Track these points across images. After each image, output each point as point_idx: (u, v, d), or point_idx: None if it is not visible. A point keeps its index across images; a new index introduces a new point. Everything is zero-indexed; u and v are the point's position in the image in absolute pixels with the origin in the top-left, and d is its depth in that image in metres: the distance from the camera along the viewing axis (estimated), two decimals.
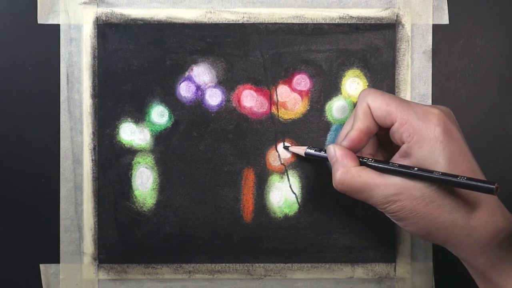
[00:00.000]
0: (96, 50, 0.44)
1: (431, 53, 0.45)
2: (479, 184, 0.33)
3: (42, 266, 0.45)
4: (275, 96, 0.45)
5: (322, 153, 0.41)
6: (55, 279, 0.45)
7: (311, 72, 0.45)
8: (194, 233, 0.45)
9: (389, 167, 0.36)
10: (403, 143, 0.37)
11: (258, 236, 0.45)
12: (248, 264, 0.45)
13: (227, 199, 0.45)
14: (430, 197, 0.35)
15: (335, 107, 0.45)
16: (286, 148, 0.44)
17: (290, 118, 0.45)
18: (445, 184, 0.34)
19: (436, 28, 0.45)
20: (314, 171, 0.45)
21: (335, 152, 0.38)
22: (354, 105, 0.45)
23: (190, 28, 0.44)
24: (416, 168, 0.35)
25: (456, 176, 0.34)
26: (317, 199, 0.45)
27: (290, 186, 0.45)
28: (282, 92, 0.45)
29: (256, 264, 0.45)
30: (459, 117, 0.45)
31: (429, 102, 0.44)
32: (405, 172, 0.35)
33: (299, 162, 0.45)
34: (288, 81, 0.45)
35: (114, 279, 0.45)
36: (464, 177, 0.33)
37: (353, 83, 0.45)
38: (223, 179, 0.45)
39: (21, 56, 0.44)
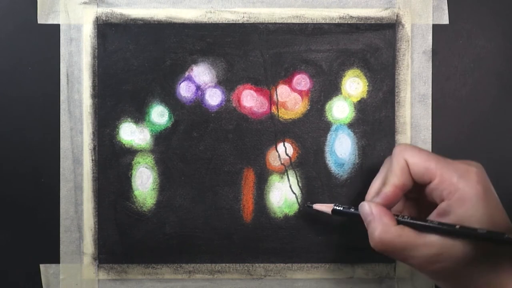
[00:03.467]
0: (96, 50, 0.44)
1: (431, 53, 0.45)
2: None
3: (42, 266, 0.45)
4: (275, 96, 0.45)
5: (352, 210, 0.39)
6: (55, 279, 0.45)
7: (311, 72, 0.45)
8: (194, 233, 0.45)
9: (429, 224, 0.35)
10: (442, 200, 0.35)
11: (258, 236, 0.45)
12: (248, 264, 0.45)
13: (227, 199, 0.45)
14: (471, 256, 0.34)
15: (335, 107, 0.45)
16: (309, 206, 0.43)
17: (290, 118, 0.45)
18: (490, 241, 0.33)
19: (436, 28, 0.45)
20: (314, 171, 0.45)
21: (371, 209, 0.36)
22: (354, 105, 0.45)
23: (190, 28, 0.44)
24: (458, 226, 0.34)
25: (503, 234, 0.32)
26: (317, 199, 0.45)
27: (290, 186, 0.45)
28: (282, 92, 0.45)
29: (256, 264, 0.45)
30: (459, 117, 0.45)
31: (429, 102, 0.44)
32: (447, 230, 0.34)
33: (299, 162, 0.45)
34: (288, 81, 0.45)
35: (114, 279, 0.45)
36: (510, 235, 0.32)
37: (353, 83, 0.45)
38: (223, 179, 0.45)
39: (21, 56, 0.44)
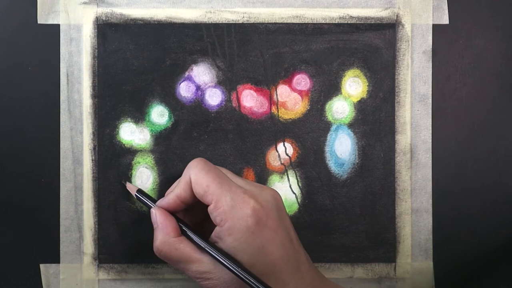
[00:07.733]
0: (96, 50, 0.44)
1: (431, 53, 0.45)
2: None
3: (42, 266, 0.45)
4: (275, 96, 0.45)
5: (149, 202, 0.41)
6: (55, 279, 0.45)
7: (311, 72, 0.45)
8: None
9: (202, 245, 0.36)
10: (217, 224, 0.37)
11: None
12: None
13: None
14: (240, 282, 0.35)
15: (335, 107, 0.45)
16: (123, 183, 0.44)
17: (290, 118, 0.45)
18: (241, 279, 0.34)
19: (436, 28, 0.45)
20: (314, 171, 0.45)
21: (157, 217, 0.38)
22: (354, 105, 0.45)
23: (190, 28, 0.44)
24: (221, 256, 0.35)
25: (250, 279, 0.34)
26: (317, 199, 0.45)
27: (290, 186, 0.45)
28: (282, 92, 0.45)
29: None
30: (459, 117, 0.45)
31: (429, 102, 0.44)
32: (212, 254, 0.36)
33: (299, 162, 0.45)
34: (288, 81, 0.45)
35: (114, 279, 0.45)
36: (255, 281, 0.34)
37: (353, 83, 0.45)
38: None
39: (21, 56, 0.44)
